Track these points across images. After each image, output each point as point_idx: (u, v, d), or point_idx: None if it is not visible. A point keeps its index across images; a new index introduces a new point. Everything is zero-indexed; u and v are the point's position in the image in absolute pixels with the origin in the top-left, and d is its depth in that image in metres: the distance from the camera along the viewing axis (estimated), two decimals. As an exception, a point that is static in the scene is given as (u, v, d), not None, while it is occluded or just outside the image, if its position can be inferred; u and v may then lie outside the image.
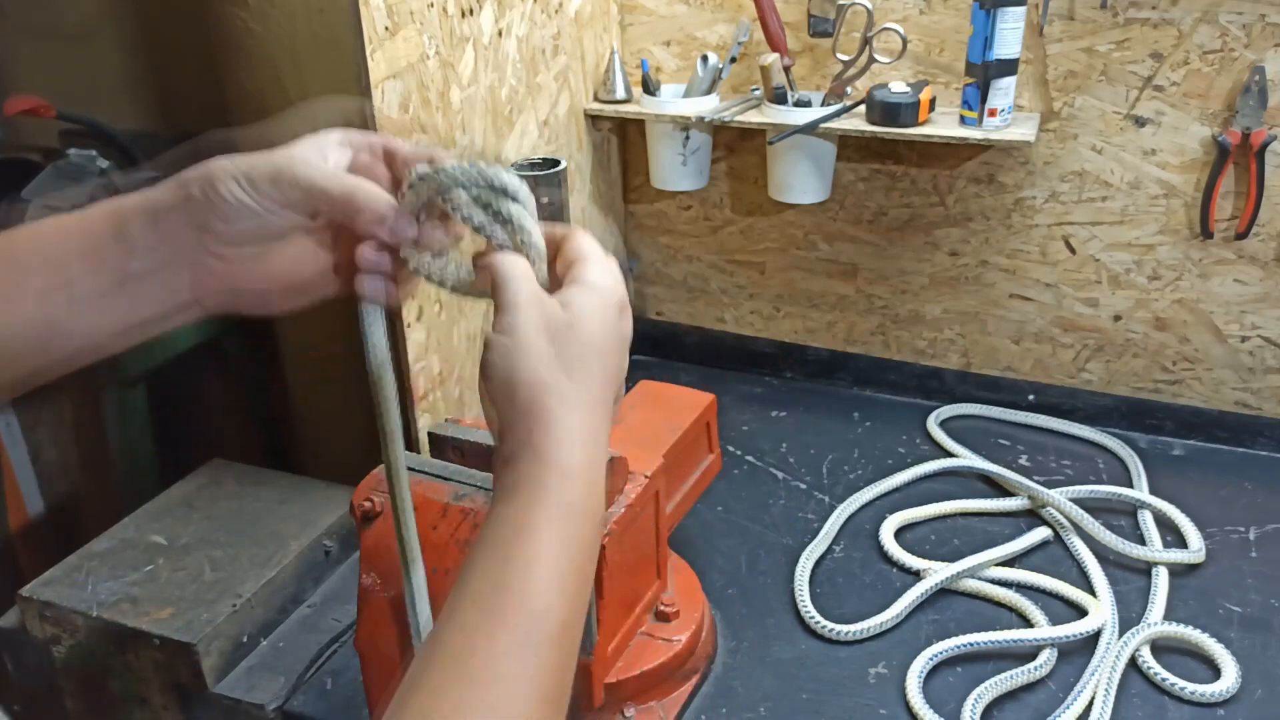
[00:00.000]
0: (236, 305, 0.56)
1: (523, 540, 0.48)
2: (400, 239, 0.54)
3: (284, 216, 0.53)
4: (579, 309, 0.52)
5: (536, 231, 0.53)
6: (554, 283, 0.54)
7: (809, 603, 1.01)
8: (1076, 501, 1.13)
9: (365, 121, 0.96)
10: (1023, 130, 1.18)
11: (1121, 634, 0.96)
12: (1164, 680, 0.92)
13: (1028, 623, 0.99)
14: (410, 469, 0.82)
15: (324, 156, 0.54)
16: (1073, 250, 1.30)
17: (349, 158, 0.56)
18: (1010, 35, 1.13)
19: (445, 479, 0.80)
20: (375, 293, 0.55)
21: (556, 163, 0.62)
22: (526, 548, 0.48)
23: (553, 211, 0.63)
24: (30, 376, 0.56)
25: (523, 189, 0.53)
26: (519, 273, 0.52)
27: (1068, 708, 0.88)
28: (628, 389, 0.57)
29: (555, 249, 0.55)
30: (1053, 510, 1.13)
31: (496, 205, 0.53)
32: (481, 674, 0.45)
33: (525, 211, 0.53)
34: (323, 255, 0.56)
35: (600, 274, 0.54)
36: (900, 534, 1.13)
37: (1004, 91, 1.16)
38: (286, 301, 0.56)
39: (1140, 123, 1.21)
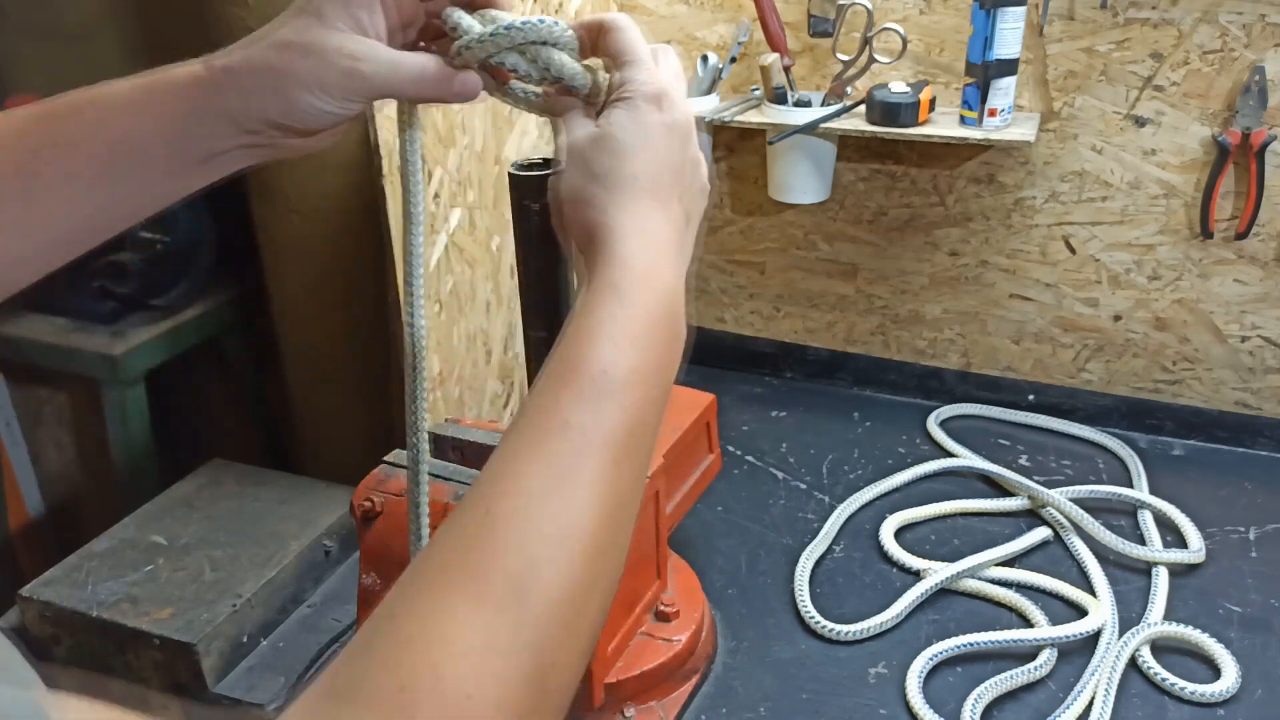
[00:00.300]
0: (280, 158, 0.57)
1: (578, 321, 0.47)
2: (467, 97, 0.56)
3: (355, 109, 0.53)
4: (609, 121, 0.52)
5: (579, 72, 0.56)
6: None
7: (809, 603, 1.01)
8: (1076, 501, 1.13)
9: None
10: (1023, 130, 1.18)
11: (1121, 634, 0.96)
12: (1164, 680, 0.92)
13: (1028, 623, 0.99)
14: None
15: (364, 29, 0.53)
16: (1073, 250, 1.30)
17: (376, 16, 0.54)
18: (1010, 35, 1.13)
19: (445, 479, 0.80)
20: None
21: (557, 162, 0.62)
22: (581, 324, 0.47)
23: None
24: (104, 238, 0.56)
25: (562, 33, 0.56)
26: (567, 117, 0.55)
27: (1068, 708, 0.88)
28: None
29: (600, 45, 0.56)
30: (1053, 510, 1.13)
31: (541, 58, 0.55)
32: (550, 422, 0.43)
33: (565, 58, 0.55)
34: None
35: (632, 73, 0.54)
36: (900, 534, 1.13)
37: (1004, 91, 1.16)
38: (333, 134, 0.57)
39: (1140, 123, 1.21)
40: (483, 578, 0.39)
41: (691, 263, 0.54)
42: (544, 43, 0.55)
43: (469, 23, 0.55)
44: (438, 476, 0.81)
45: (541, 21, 0.54)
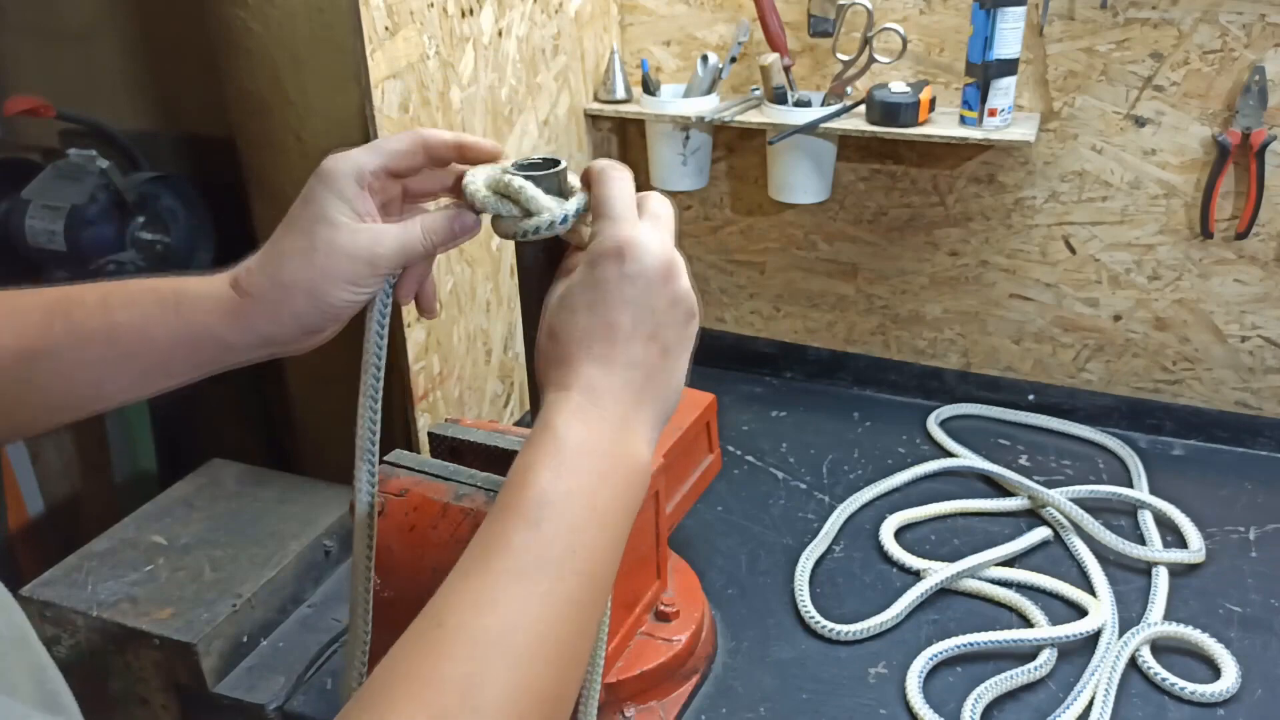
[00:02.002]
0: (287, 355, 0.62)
1: (521, 456, 0.52)
2: (468, 235, 0.62)
3: (373, 290, 0.59)
4: (570, 279, 0.56)
5: (571, 218, 0.59)
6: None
7: (809, 603, 1.01)
8: (1076, 501, 1.13)
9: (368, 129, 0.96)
10: (1023, 130, 1.18)
11: (1121, 634, 0.96)
12: (1164, 680, 0.92)
13: (1028, 623, 0.99)
14: (410, 469, 0.82)
15: (362, 217, 0.59)
16: (1073, 250, 1.30)
17: (367, 202, 0.60)
18: (1010, 35, 1.13)
19: (445, 479, 0.80)
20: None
21: (556, 162, 0.62)
22: (522, 458, 0.52)
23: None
24: (98, 410, 0.62)
25: (567, 188, 0.61)
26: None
27: (1068, 708, 0.88)
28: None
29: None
30: (1053, 510, 1.13)
31: (532, 207, 0.60)
32: (495, 542, 0.48)
33: (544, 214, 0.59)
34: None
35: (600, 227, 0.55)
36: (900, 534, 1.13)
37: (1004, 91, 1.16)
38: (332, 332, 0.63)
39: (1140, 123, 1.21)
40: (434, 686, 0.42)
41: (675, 390, 0.57)
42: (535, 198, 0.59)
43: (485, 195, 0.60)
44: (438, 476, 0.81)
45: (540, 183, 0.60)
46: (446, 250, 0.62)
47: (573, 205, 0.60)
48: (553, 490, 0.49)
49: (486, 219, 0.63)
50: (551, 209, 0.59)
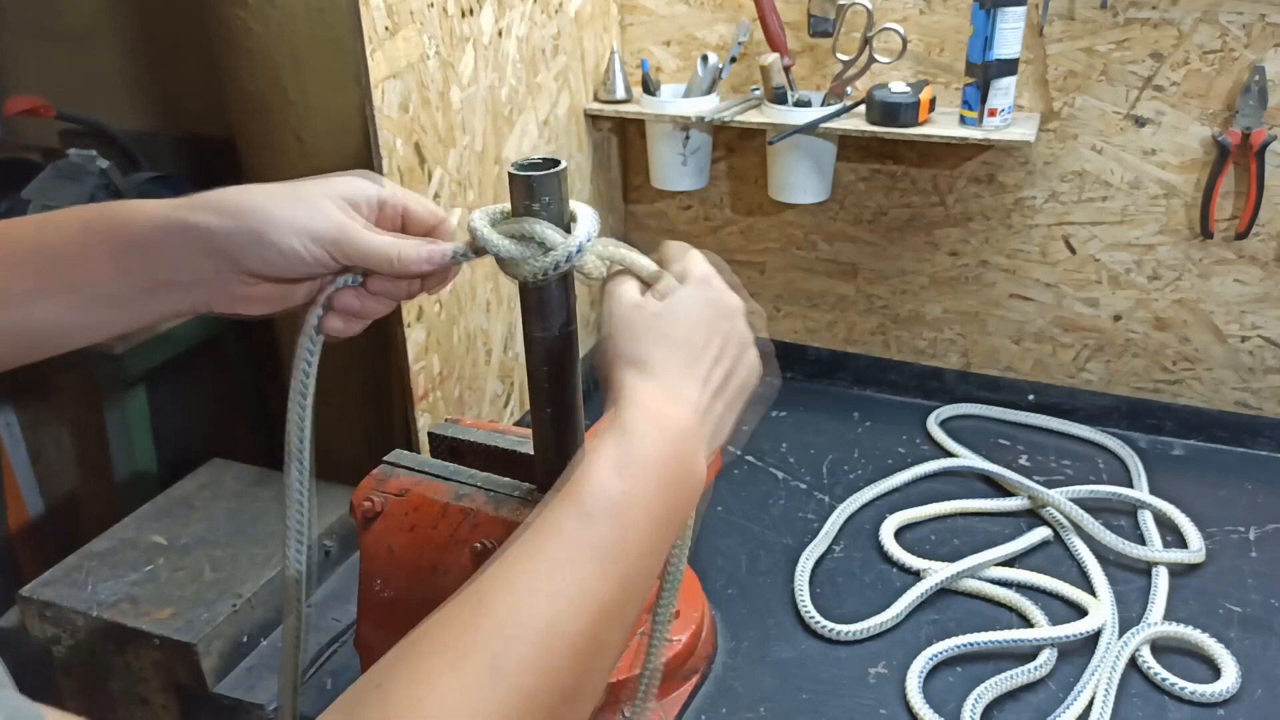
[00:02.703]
0: (238, 312, 0.61)
1: (588, 451, 0.52)
2: (438, 277, 0.63)
3: (323, 269, 0.59)
4: (663, 292, 0.60)
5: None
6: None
7: (809, 603, 1.01)
8: (1076, 501, 1.13)
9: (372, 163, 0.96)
10: (1023, 130, 1.18)
11: (1121, 634, 0.96)
12: (1164, 680, 0.92)
13: (1028, 623, 0.99)
14: (410, 469, 0.82)
15: (353, 214, 0.60)
16: (1073, 250, 1.30)
17: (369, 218, 0.62)
18: (1010, 35, 1.13)
19: (445, 479, 0.80)
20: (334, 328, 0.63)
21: (556, 162, 0.62)
22: (589, 453, 0.52)
23: (553, 211, 0.63)
24: (38, 356, 0.59)
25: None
26: (614, 285, 0.62)
27: (1068, 708, 0.88)
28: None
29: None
30: (1053, 510, 1.13)
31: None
32: (547, 529, 0.48)
33: (571, 237, 0.62)
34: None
35: (685, 265, 0.61)
36: (900, 534, 1.13)
37: (1004, 91, 1.16)
38: (280, 308, 0.63)
39: (1140, 123, 1.21)
40: (467, 658, 0.43)
41: (735, 426, 0.60)
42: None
43: (493, 237, 0.62)
44: (438, 476, 0.81)
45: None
46: (409, 290, 0.63)
47: (583, 232, 0.61)
48: (613, 489, 0.50)
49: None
50: (565, 242, 0.61)
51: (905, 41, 1.20)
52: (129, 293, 0.57)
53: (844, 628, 0.98)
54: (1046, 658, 0.93)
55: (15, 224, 0.57)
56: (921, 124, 1.20)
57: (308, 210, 0.58)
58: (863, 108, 1.23)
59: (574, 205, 0.64)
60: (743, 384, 0.61)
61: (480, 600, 0.46)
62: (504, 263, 0.63)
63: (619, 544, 0.49)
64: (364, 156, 1.01)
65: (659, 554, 0.52)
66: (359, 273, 0.62)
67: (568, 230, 0.62)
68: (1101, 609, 0.99)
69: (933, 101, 1.22)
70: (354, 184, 0.61)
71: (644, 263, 0.63)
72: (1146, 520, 1.14)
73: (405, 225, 0.64)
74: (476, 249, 0.63)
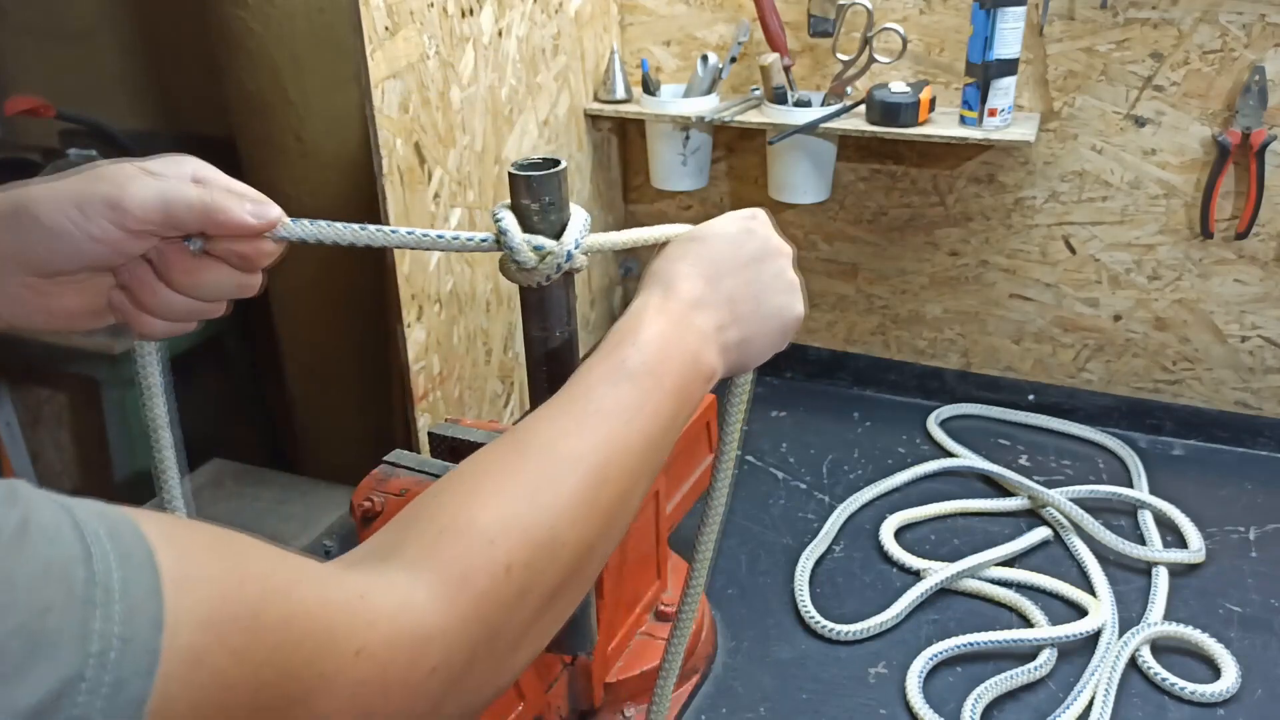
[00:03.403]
0: (41, 328, 0.55)
1: (622, 321, 0.57)
2: (268, 221, 0.54)
3: (113, 243, 0.51)
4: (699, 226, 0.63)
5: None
6: None
7: (809, 603, 1.01)
8: (1076, 501, 1.13)
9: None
10: (1023, 130, 1.18)
11: (1121, 634, 0.96)
12: (1164, 680, 0.92)
13: (1028, 623, 0.99)
14: (410, 469, 0.82)
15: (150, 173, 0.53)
16: (1073, 250, 1.30)
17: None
18: (1010, 35, 1.13)
19: (445, 479, 0.80)
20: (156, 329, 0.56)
21: (556, 162, 0.62)
22: (623, 323, 0.57)
23: (553, 211, 0.63)
24: None
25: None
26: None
27: (1068, 708, 0.88)
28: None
29: None
30: (1053, 510, 1.13)
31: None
32: (577, 390, 0.53)
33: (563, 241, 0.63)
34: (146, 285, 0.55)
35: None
36: (900, 534, 1.13)
37: (1004, 91, 1.16)
38: (95, 325, 0.56)
39: (1140, 123, 1.21)
40: (509, 482, 0.48)
41: (761, 352, 0.64)
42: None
43: (518, 238, 0.62)
44: (437, 476, 0.81)
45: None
46: (254, 253, 0.55)
47: (575, 230, 0.62)
48: (632, 361, 0.54)
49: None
50: (561, 245, 0.62)
51: (905, 41, 1.20)
52: None
53: (844, 628, 0.98)
54: (1046, 658, 0.93)
55: None
56: (921, 124, 1.20)
57: (80, 180, 0.51)
58: (863, 108, 1.23)
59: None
60: (774, 312, 0.63)
61: (521, 440, 0.51)
62: (509, 269, 0.63)
63: (639, 402, 0.53)
64: (364, 156, 1.01)
65: (673, 418, 0.56)
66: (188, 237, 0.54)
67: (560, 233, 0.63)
68: (1101, 609, 0.99)
69: (933, 101, 1.22)
70: (169, 156, 0.55)
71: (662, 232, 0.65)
72: (1146, 520, 1.14)
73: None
74: (495, 239, 0.62)
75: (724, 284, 0.60)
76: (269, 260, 0.56)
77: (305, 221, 0.57)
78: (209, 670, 0.33)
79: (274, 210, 0.55)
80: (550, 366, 0.69)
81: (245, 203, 0.54)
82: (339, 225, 0.58)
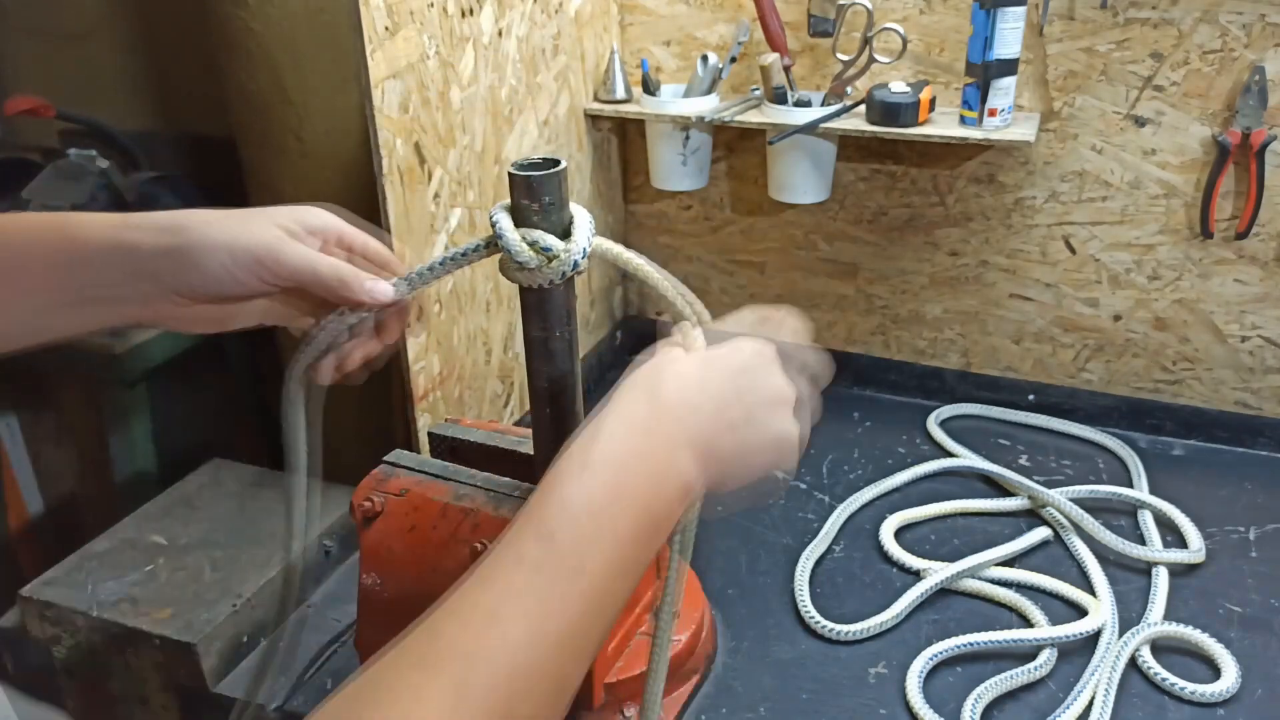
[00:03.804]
0: (173, 328, 0.62)
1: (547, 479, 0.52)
2: (376, 300, 0.63)
3: (255, 289, 0.59)
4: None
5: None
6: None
7: (809, 603, 1.01)
8: (1076, 501, 1.13)
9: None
10: (1023, 130, 1.18)
11: (1121, 634, 0.96)
12: (1164, 680, 0.92)
13: (1028, 623, 0.99)
14: (410, 469, 0.82)
15: (298, 236, 0.61)
16: (1073, 250, 1.30)
17: (318, 244, 0.63)
18: (1010, 35, 1.13)
19: (445, 479, 0.80)
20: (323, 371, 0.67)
21: (556, 162, 0.62)
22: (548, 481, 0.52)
23: (553, 211, 0.63)
24: None
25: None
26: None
27: (1068, 708, 0.88)
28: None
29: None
30: (1053, 510, 1.13)
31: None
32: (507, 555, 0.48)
33: (573, 244, 0.64)
34: (277, 306, 0.65)
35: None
36: (900, 534, 1.13)
37: (1004, 91, 1.16)
38: (223, 329, 0.65)
39: (1140, 123, 1.21)
40: (421, 700, 0.42)
41: (740, 482, 0.59)
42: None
43: (515, 240, 0.63)
44: (438, 476, 0.81)
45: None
46: (350, 322, 0.63)
47: (582, 238, 0.62)
48: (574, 502, 0.49)
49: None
50: (570, 248, 0.62)
51: (905, 41, 1.20)
52: (59, 305, 0.58)
53: (844, 628, 0.98)
54: (1046, 658, 0.93)
55: None
56: (921, 124, 1.20)
57: (238, 228, 0.58)
58: (863, 108, 1.23)
59: (570, 207, 0.64)
60: (761, 444, 0.58)
61: (436, 636, 0.45)
62: (510, 269, 0.63)
63: (576, 563, 0.48)
64: (364, 156, 1.01)
65: (632, 562, 0.51)
66: (349, 316, 0.63)
67: (567, 233, 0.63)
68: (1101, 609, 0.99)
69: (933, 101, 1.22)
70: (311, 211, 0.62)
71: (667, 288, 0.64)
72: (1146, 520, 1.14)
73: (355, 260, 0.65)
74: (489, 241, 0.63)
75: (716, 448, 0.55)
76: (399, 330, 0.66)
77: (418, 269, 0.65)
78: None
79: (381, 287, 0.63)
80: (550, 367, 0.69)
81: (362, 280, 0.62)
82: (447, 255, 0.65)
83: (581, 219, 0.63)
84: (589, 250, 0.62)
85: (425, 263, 0.65)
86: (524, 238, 0.62)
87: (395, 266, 0.66)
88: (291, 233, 0.60)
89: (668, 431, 0.53)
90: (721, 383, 0.56)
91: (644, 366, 0.57)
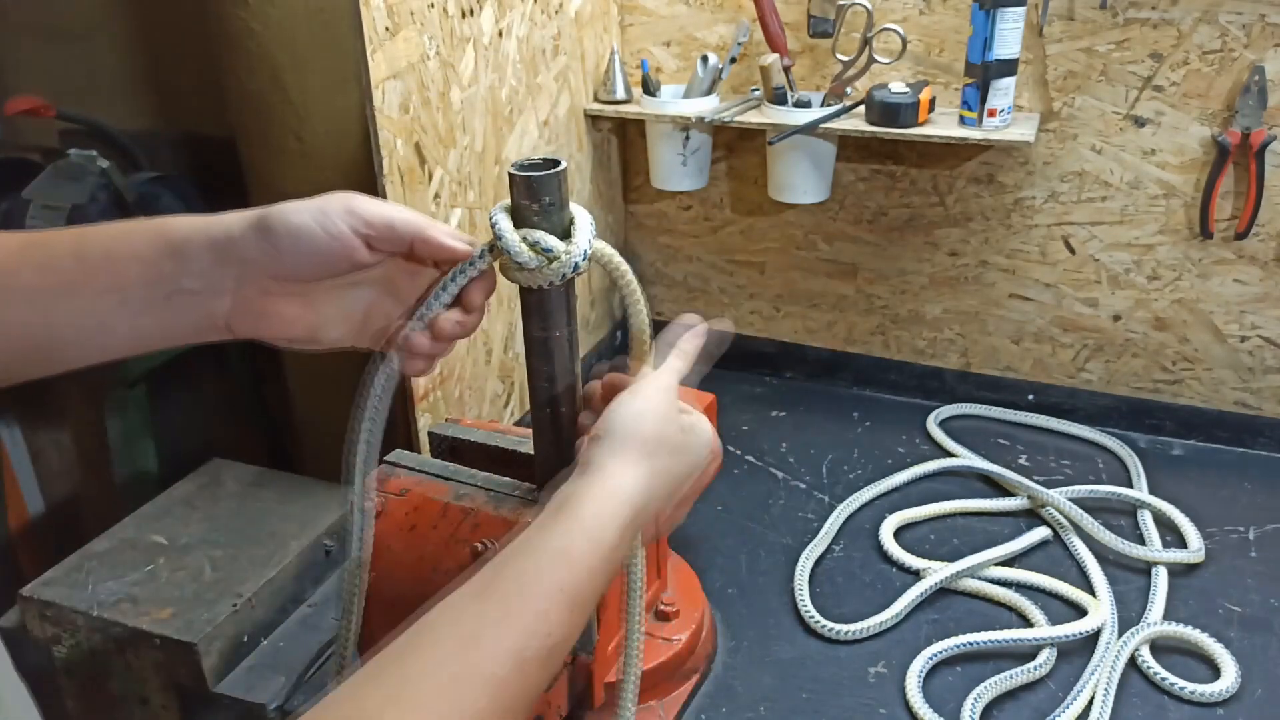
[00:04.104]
0: (260, 334, 0.61)
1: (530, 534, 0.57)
2: (461, 256, 0.62)
3: (347, 242, 0.58)
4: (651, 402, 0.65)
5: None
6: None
7: (809, 602, 1.01)
8: (1076, 501, 1.13)
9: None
10: (1022, 130, 1.18)
11: (1121, 634, 0.96)
12: (1164, 680, 0.92)
13: (1027, 622, 0.99)
14: (410, 469, 0.82)
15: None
16: (1072, 250, 1.30)
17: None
18: (1010, 35, 1.13)
19: (445, 479, 0.80)
20: (407, 365, 0.65)
21: (556, 163, 0.62)
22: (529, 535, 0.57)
23: (553, 212, 0.63)
24: (57, 366, 0.60)
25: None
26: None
27: (1067, 707, 0.88)
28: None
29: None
30: (1052, 510, 1.13)
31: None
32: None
33: (574, 245, 0.64)
34: (359, 311, 0.64)
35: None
36: (900, 534, 1.13)
37: (1004, 92, 1.16)
38: (307, 343, 0.63)
39: (1140, 123, 1.21)
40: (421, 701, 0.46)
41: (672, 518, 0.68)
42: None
43: (514, 241, 0.63)
44: (438, 476, 0.81)
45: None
46: (452, 295, 0.63)
47: (584, 239, 0.62)
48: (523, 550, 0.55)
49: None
50: (570, 249, 0.62)
51: (905, 42, 1.20)
52: (148, 302, 0.57)
53: (844, 627, 0.98)
54: (1046, 657, 0.93)
55: (55, 234, 0.58)
56: (921, 124, 1.20)
57: (320, 199, 0.59)
58: (862, 108, 1.23)
59: (571, 207, 0.64)
60: (687, 490, 0.66)
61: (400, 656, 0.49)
62: (510, 269, 0.63)
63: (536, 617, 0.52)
64: (364, 157, 1.01)
65: (585, 590, 0.55)
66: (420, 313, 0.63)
67: (568, 233, 0.63)
68: (1101, 609, 0.99)
69: (932, 102, 1.22)
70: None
71: (640, 311, 0.68)
72: (1146, 520, 1.14)
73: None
74: (490, 245, 0.63)
75: (648, 460, 0.62)
76: (486, 295, 0.64)
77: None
78: None
79: (463, 245, 0.62)
80: (550, 367, 0.69)
81: (448, 231, 0.62)
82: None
83: (582, 220, 0.63)
84: (590, 252, 0.62)
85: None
86: (524, 238, 0.62)
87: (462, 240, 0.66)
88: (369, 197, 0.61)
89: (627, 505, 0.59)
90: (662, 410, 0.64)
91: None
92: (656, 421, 0.63)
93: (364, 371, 0.65)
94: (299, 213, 0.58)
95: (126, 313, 0.57)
